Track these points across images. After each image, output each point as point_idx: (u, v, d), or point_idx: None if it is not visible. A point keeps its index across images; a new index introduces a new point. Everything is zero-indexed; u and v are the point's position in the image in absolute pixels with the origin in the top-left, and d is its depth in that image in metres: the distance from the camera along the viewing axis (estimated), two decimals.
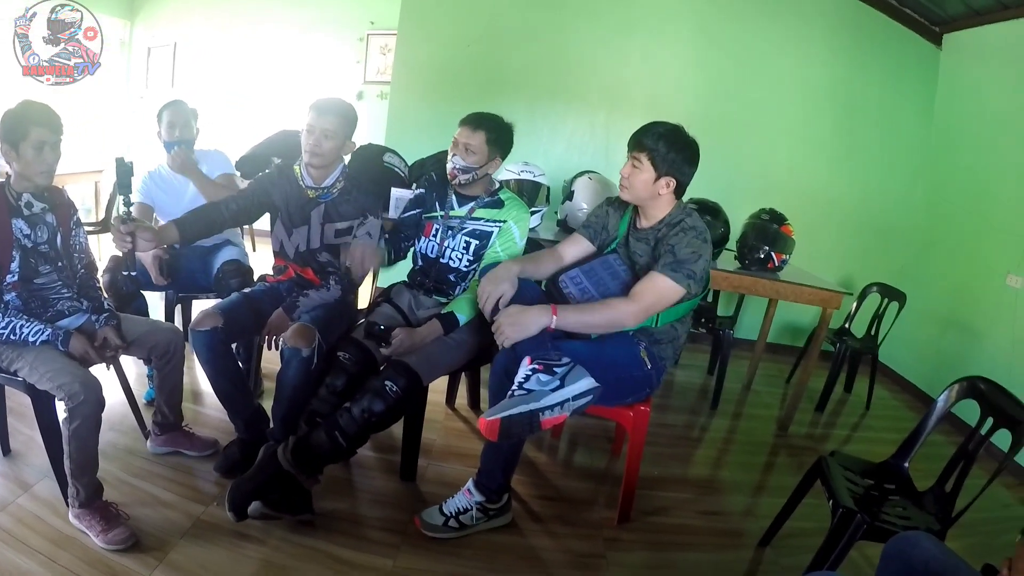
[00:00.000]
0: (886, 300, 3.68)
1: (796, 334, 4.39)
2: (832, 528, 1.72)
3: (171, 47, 5.87)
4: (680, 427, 3.14)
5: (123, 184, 1.95)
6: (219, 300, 2.21)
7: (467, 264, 2.22)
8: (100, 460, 1.84)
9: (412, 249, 2.34)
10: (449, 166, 2.14)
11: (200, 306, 2.95)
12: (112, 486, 1.95)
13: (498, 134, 2.13)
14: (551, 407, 1.66)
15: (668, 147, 1.84)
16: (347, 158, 2.23)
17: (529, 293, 1.92)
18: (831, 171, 4.28)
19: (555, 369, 1.70)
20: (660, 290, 1.84)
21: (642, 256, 1.96)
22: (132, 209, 2.55)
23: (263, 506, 1.79)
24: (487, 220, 2.20)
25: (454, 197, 2.23)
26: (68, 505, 1.82)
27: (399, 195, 2.27)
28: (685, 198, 2.00)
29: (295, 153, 2.19)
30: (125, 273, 1.98)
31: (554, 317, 1.80)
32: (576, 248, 2.13)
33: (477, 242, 2.20)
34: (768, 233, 2.99)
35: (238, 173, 2.92)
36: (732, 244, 3.13)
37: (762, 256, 2.98)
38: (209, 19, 5.77)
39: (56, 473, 1.87)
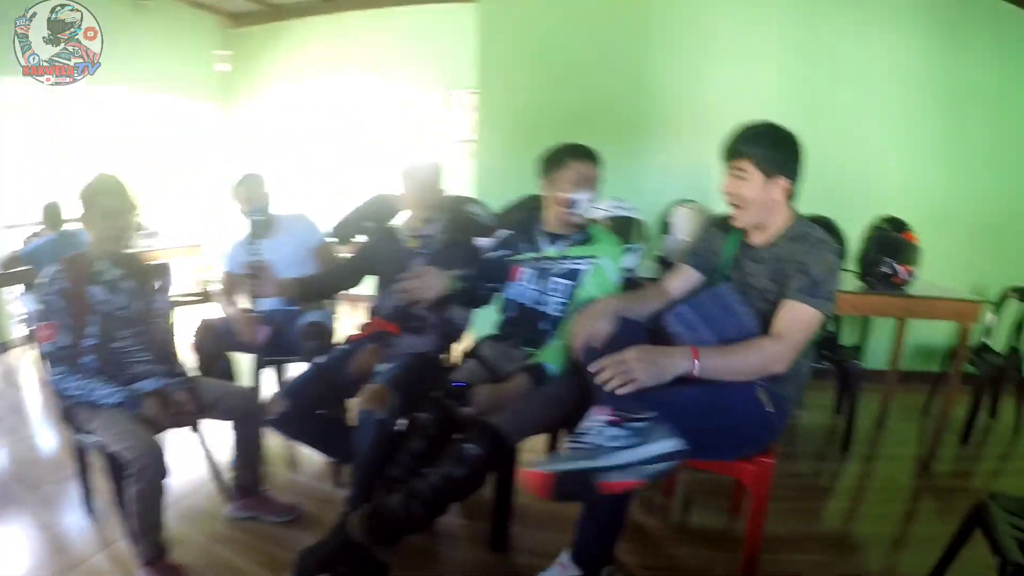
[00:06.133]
0: None
1: (927, 357, 3.89)
2: None
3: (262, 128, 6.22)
4: (807, 476, 2.76)
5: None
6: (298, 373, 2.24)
7: (560, 308, 2.04)
8: (180, 522, 1.95)
9: (499, 297, 2.17)
10: (582, 207, 2.02)
11: (291, 370, 2.96)
12: (189, 549, 1.97)
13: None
14: (613, 469, 1.38)
15: (769, 145, 1.61)
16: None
17: (631, 334, 1.65)
18: (941, 170, 3.87)
19: (629, 424, 1.43)
20: (805, 321, 1.56)
21: (757, 277, 1.69)
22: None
23: None
24: (578, 257, 2.04)
25: (541, 238, 2.09)
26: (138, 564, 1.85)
27: (482, 244, 2.19)
28: None
29: (388, 218, 2.23)
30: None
31: (696, 362, 1.53)
32: (683, 280, 1.86)
33: (570, 282, 2.03)
34: (891, 243, 2.63)
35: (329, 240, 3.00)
36: (848, 264, 2.80)
37: (887, 270, 2.62)
38: (295, 96, 6.09)
39: (127, 530, 1.89)
